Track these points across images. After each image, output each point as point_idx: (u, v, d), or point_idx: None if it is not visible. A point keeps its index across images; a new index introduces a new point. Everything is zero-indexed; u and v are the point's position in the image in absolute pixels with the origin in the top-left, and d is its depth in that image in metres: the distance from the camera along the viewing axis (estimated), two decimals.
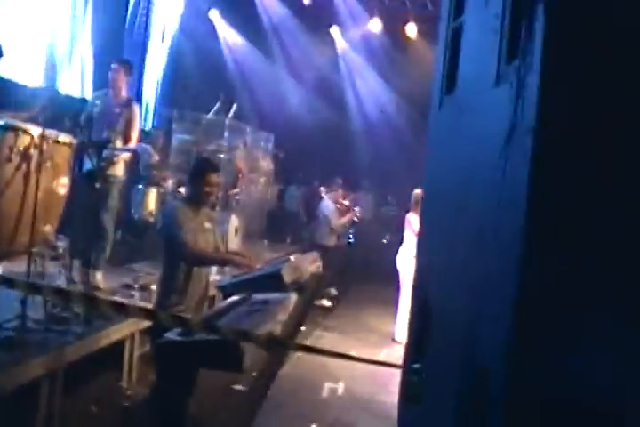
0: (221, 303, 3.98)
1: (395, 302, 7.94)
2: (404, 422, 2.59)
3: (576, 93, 1.35)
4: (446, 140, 2.31)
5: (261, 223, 11.53)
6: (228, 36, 13.56)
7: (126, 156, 5.81)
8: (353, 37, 15.01)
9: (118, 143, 5.72)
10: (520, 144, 1.42)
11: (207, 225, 4.27)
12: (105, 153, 5.27)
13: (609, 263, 1.36)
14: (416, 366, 2.35)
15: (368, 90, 15.02)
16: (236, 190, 10.42)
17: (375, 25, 14.47)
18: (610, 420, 1.38)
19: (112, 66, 6.05)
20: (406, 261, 7.83)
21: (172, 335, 3.22)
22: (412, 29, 14.15)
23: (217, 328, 3.06)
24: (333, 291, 9.51)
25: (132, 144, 5.94)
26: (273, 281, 3.51)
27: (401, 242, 8.05)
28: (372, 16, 14.40)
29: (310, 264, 3.87)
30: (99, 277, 5.57)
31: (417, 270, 2.70)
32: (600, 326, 1.37)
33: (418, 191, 7.66)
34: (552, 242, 1.35)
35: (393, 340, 7.71)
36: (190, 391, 3.99)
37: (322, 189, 11.95)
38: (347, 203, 10.33)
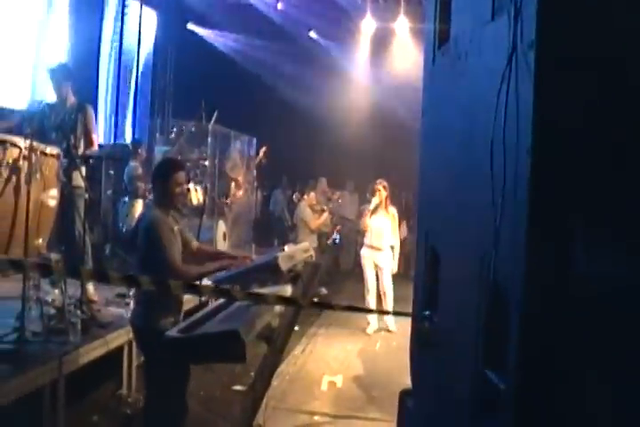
0: (214, 303, 3.91)
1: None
2: (418, 370, 2.58)
3: (576, 7, 1.38)
4: (443, 91, 2.30)
5: (249, 228, 11.50)
6: (207, 42, 13.58)
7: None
8: (336, 38, 14.96)
9: (81, 149, 5.56)
10: (523, 61, 1.44)
11: (176, 228, 3.96)
12: (65, 162, 5.10)
13: (621, 176, 1.38)
14: (427, 312, 2.33)
15: (354, 87, 15.01)
16: (229, 200, 10.42)
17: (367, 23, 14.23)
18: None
19: (54, 72, 5.71)
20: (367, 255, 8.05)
21: (172, 333, 3.18)
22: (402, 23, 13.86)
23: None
24: (323, 290, 9.55)
25: (95, 148, 5.79)
26: (269, 270, 3.47)
27: None
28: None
29: (304, 253, 3.83)
30: (90, 289, 5.46)
31: (420, 221, 2.67)
32: (616, 229, 1.39)
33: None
34: (561, 158, 1.39)
35: (364, 332, 7.78)
36: (185, 390, 3.91)
37: (295, 195, 11.96)
38: (321, 206, 10.31)
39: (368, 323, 7.92)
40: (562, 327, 1.40)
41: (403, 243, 12.77)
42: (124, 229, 7.60)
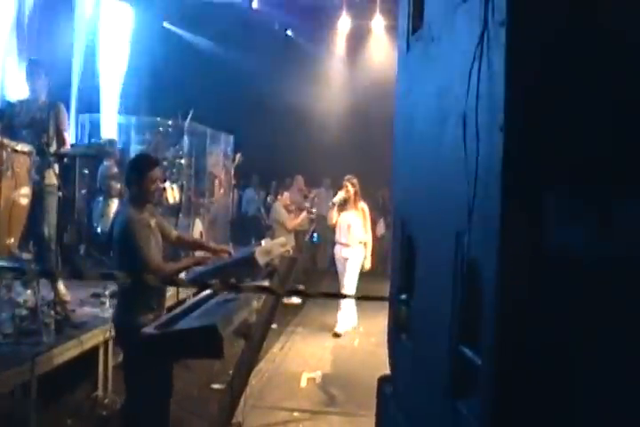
0: (191, 299, 3.88)
1: None
2: (395, 356, 2.58)
3: None
4: (417, 77, 2.30)
5: (226, 227, 11.41)
6: (183, 40, 13.50)
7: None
8: (313, 36, 14.93)
9: (54, 147, 5.50)
10: (494, 40, 1.46)
11: (153, 222, 3.95)
12: (38, 160, 5.04)
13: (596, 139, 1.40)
14: (403, 296, 2.36)
15: (331, 85, 15.00)
16: (213, 198, 10.35)
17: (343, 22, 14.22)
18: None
19: (30, 68, 5.65)
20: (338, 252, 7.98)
21: (149, 329, 3.15)
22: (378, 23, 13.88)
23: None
24: (297, 299, 9.39)
25: (68, 147, 5.73)
26: (246, 265, 3.45)
27: None
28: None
29: (280, 248, 3.82)
30: (62, 289, 5.38)
31: (395, 209, 2.67)
32: (587, 202, 1.42)
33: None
34: (533, 134, 1.41)
35: (335, 334, 7.69)
36: (170, 390, 3.88)
37: (269, 197, 11.90)
38: (297, 205, 10.26)
39: (336, 322, 7.80)
40: (536, 300, 1.41)
41: (380, 241, 12.85)
42: (99, 230, 7.50)
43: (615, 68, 1.41)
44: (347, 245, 7.84)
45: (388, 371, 2.91)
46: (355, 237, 7.80)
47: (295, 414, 5.09)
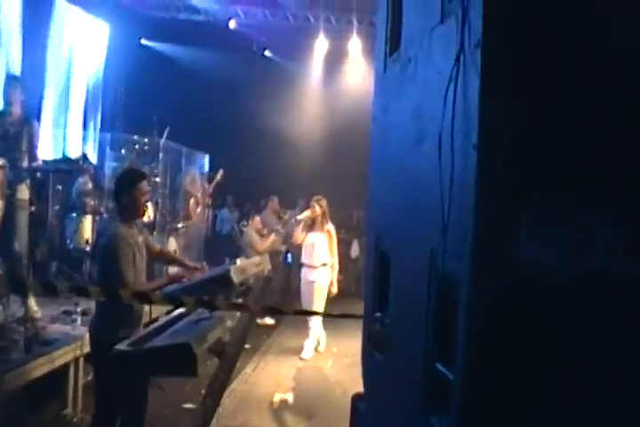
0: (165, 317, 3.85)
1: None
2: (369, 373, 2.62)
3: (520, 8, 1.45)
4: (393, 97, 2.35)
5: (201, 246, 11.35)
6: (160, 58, 13.52)
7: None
8: (291, 56, 15.05)
9: (26, 162, 5.49)
10: (470, 60, 1.51)
11: (140, 239, 4.00)
12: (11, 175, 5.02)
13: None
14: (378, 314, 2.37)
15: (308, 105, 15.09)
16: (188, 219, 10.27)
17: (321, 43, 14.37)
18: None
19: (7, 82, 5.77)
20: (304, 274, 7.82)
21: (121, 347, 3.11)
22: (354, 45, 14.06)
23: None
24: (269, 320, 9.26)
25: (39, 162, 5.74)
26: (221, 283, 3.42)
27: None
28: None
29: (255, 267, 3.81)
30: (32, 305, 5.31)
31: (369, 226, 2.71)
32: (559, 216, 1.45)
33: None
34: (506, 153, 1.45)
35: (300, 358, 7.53)
36: (144, 407, 3.86)
37: (241, 223, 11.84)
38: (270, 228, 10.18)
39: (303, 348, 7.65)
40: (510, 313, 1.43)
41: (355, 262, 12.86)
42: (72, 246, 7.42)
43: (587, 88, 1.47)
44: (312, 267, 7.65)
45: (361, 390, 2.97)
46: (320, 257, 7.63)
47: None
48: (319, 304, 7.57)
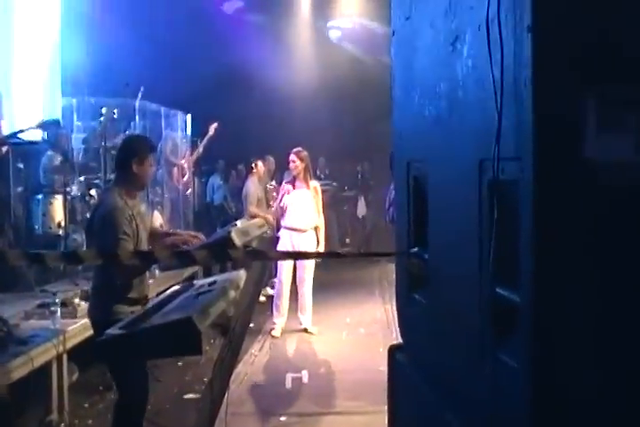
0: (163, 294, 3.69)
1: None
2: (407, 319, 2.56)
3: None
4: (418, 2, 2.23)
5: (188, 218, 10.99)
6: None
7: None
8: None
9: None
10: None
11: (143, 209, 4.06)
12: None
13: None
14: (415, 249, 2.30)
15: (298, 55, 14.70)
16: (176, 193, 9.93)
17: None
18: None
19: None
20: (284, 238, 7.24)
21: (113, 331, 2.89)
22: None
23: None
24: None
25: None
26: (223, 246, 3.24)
27: None
28: None
29: (258, 229, 3.64)
30: None
31: (397, 156, 2.59)
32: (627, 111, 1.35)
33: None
34: (565, 29, 1.35)
35: (307, 332, 7.27)
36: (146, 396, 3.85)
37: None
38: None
39: (274, 323, 7.29)
40: (576, 218, 1.35)
41: (362, 222, 12.60)
42: (40, 231, 7.08)
43: None
44: (300, 230, 7.10)
45: (381, 362, 2.85)
46: (309, 220, 7.13)
47: (282, 418, 4.87)
48: (309, 273, 7.27)
